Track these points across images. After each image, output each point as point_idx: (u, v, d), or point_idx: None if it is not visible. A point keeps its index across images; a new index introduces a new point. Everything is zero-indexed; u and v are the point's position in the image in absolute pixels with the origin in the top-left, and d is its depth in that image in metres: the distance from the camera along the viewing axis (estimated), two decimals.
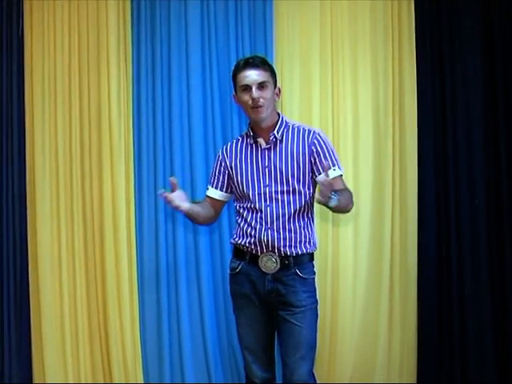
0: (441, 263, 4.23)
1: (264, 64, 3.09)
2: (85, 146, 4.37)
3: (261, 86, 3.04)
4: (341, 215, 4.07)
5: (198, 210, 3.17)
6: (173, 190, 3.00)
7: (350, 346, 4.26)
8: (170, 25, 4.31)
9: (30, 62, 4.40)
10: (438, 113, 4.21)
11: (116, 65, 4.32)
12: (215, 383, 4.28)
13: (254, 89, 3.03)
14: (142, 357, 4.35)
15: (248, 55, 4.04)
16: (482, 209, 4.18)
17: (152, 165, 4.33)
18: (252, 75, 3.04)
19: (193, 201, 3.21)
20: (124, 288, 4.31)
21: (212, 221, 3.35)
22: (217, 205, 3.31)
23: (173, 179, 3.02)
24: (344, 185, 3.09)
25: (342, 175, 3.11)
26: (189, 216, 3.13)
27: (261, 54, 3.61)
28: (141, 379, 4.32)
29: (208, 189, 3.31)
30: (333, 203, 2.74)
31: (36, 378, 4.40)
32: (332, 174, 2.95)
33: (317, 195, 2.73)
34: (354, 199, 3.07)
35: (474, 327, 4.17)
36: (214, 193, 3.28)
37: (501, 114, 4.12)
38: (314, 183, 3.10)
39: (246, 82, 3.04)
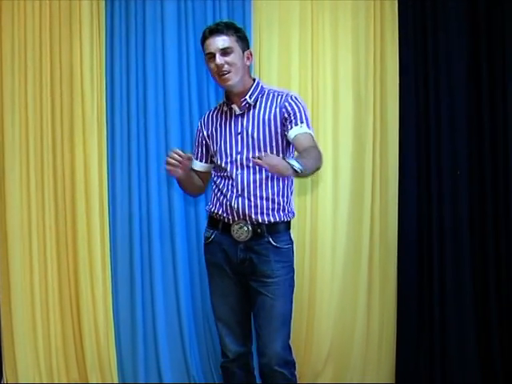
0: (421, 237, 4.19)
1: (229, 29, 3.02)
2: (56, 119, 4.25)
3: (225, 51, 2.98)
4: (320, 185, 4.08)
5: (194, 180, 3.19)
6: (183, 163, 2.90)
7: (328, 320, 4.22)
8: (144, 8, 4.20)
9: None
10: (420, 80, 4.17)
11: (89, 29, 4.18)
12: (193, 383, 4.25)
13: (217, 55, 2.98)
14: (117, 355, 4.28)
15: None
16: (464, 178, 4.13)
17: (126, 137, 4.23)
18: (215, 42, 2.99)
19: None
20: (96, 265, 4.22)
21: (202, 192, 3.35)
22: (203, 176, 3.27)
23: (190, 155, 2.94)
24: (313, 142, 2.93)
25: (310, 134, 2.97)
26: (182, 182, 3.12)
27: (230, 20, 3.53)
28: (116, 379, 4.25)
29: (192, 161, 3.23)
30: (298, 167, 2.60)
31: (8, 377, 4.28)
32: (298, 130, 2.90)
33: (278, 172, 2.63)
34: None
35: (453, 303, 4.13)
36: (198, 165, 3.23)
37: (484, 88, 4.09)
38: (289, 145, 3.03)
39: (210, 49, 3.00)
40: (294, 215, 3.11)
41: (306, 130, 2.93)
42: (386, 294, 4.24)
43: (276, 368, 2.96)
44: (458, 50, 4.12)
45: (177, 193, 4.16)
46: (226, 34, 2.99)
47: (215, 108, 3.24)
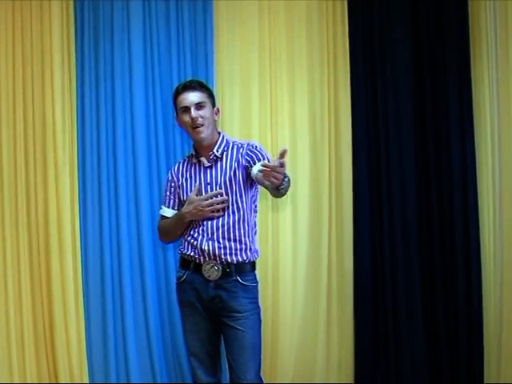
0: (375, 265, 4.52)
1: (201, 86, 3.30)
2: (29, 157, 4.37)
3: (199, 106, 3.23)
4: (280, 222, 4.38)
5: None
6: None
7: (291, 349, 4.44)
8: (113, 37, 4.40)
9: None
10: (371, 122, 4.53)
11: (60, 77, 4.34)
12: (160, 383, 4.40)
13: (192, 109, 3.22)
14: (88, 356, 4.40)
15: (189, 71, 4.32)
16: (413, 206, 4.49)
17: (96, 175, 4.41)
18: (190, 97, 3.23)
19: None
20: (69, 295, 4.35)
21: (176, 240, 3.51)
22: None
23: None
24: None
25: None
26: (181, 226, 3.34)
27: (198, 78, 3.75)
28: (86, 379, 4.38)
29: (162, 208, 3.46)
30: (285, 185, 2.90)
31: None
32: (261, 164, 2.99)
33: (268, 181, 2.81)
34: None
35: (407, 327, 4.46)
36: (168, 212, 3.43)
37: (429, 117, 4.50)
38: (252, 188, 3.29)
39: (185, 103, 3.24)
40: (258, 255, 3.36)
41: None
42: (343, 321, 4.51)
43: None
44: (405, 83, 4.50)
45: (146, 231, 4.37)
46: (200, 91, 3.25)
47: (183, 160, 3.45)
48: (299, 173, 4.47)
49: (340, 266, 4.51)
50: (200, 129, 3.23)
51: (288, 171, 4.19)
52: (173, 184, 3.42)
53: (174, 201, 3.43)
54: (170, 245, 4.27)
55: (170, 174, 3.46)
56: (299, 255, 4.49)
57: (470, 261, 4.39)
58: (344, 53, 4.50)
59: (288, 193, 3.69)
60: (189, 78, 3.51)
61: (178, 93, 3.29)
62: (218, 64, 4.43)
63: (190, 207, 3.22)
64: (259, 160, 3.13)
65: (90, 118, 4.41)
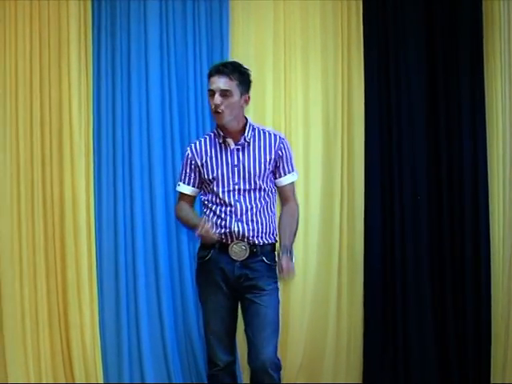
0: (385, 257, 4.58)
1: (233, 72, 3.26)
2: (45, 147, 4.42)
3: (224, 93, 3.23)
4: None
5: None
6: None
7: (301, 332, 4.53)
8: (129, 29, 4.45)
9: None
10: (384, 113, 4.59)
11: (77, 67, 4.39)
12: (175, 383, 4.44)
13: (216, 95, 3.23)
14: (102, 356, 4.43)
15: (205, 61, 4.40)
16: (423, 205, 4.53)
17: (111, 164, 4.46)
18: (217, 82, 3.24)
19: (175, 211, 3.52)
20: (84, 288, 4.39)
21: None
22: (190, 200, 3.50)
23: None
24: (293, 190, 3.45)
25: (294, 183, 3.45)
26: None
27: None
28: (101, 379, 4.41)
29: (179, 185, 3.49)
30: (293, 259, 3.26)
31: None
32: (290, 178, 3.40)
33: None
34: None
35: (415, 314, 4.52)
36: (187, 189, 3.46)
37: (442, 116, 4.55)
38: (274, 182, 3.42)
39: (211, 87, 3.26)
40: (277, 240, 3.41)
41: (294, 178, 3.43)
42: (353, 308, 4.59)
43: (270, 371, 3.19)
44: (418, 82, 4.55)
45: (160, 217, 4.43)
46: (229, 77, 3.23)
47: (205, 138, 3.44)
48: (311, 160, 4.55)
49: (351, 255, 4.59)
50: (219, 115, 3.26)
51: (301, 158, 4.44)
52: (193, 161, 3.41)
53: (194, 179, 3.44)
54: (183, 231, 4.39)
55: (189, 151, 3.44)
56: (310, 242, 4.55)
57: (479, 260, 4.46)
58: (358, 40, 4.59)
59: (300, 178, 3.98)
60: (219, 62, 3.56)
61: (210, 73, 3.32)
62: (233, 52, 4.49)
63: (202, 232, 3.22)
64: (288, 171, 3.38)
65: (105, 108, 4.46)
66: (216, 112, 3.25)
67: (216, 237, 3.21)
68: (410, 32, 4.57)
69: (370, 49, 4.57)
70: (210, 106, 3.30)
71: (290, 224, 3.36)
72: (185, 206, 3.46)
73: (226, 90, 3.23)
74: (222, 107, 3.23)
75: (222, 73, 3.25)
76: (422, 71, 4.58)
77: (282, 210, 3.43)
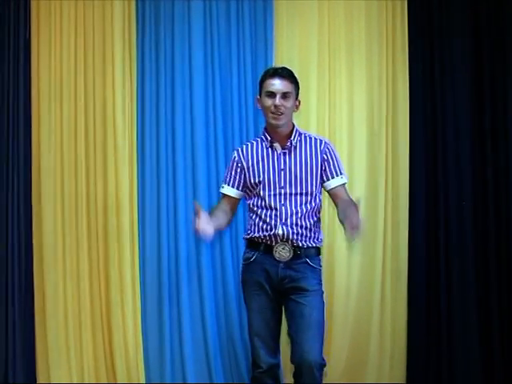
0: (430, 261, 4.50)
1: (291, 76, 3.33)
2: (89, 146, 4.51)
3: (284, 95, 3.28)
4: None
5: (219, 223, 3.36)
6: (197, 214, 3.19)
7: (344, 334, 4.51)
8: (173, 30, 4.50)
9: (36, 63, 4.51)
10: (429, 118, 4.50)
11: (121, 67, 4.48)
12: (216, 383, 4.46)
13: (278, 97, 3.26)
14: (144, 357, 4.49)
15: (249, 64, 4.42)
16: (468, 209, 4.46)
17: (155, 165, 4.51)
18: (278, 84, 3.28)
19: (210, 210, 3.42)
20: (127, 288, 4.47)
21: (230, 222, 3.55)
22: (232, 202, 3.51)
23: (196, 204, 3.22)
24: (347, 193, 3.41)
25: (345, 183, 3.42)
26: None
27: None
28: (143, 379, 4.47)
29: (223, 187, 3.50)
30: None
31: (40, 377, 4.50)
32: (339, 181, 3.37)
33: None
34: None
35: (459, 315, 4.44)
36: (231, 191, 3.47)
37: (487, 118, 4.44)
38: (321, 186, 3.40)
39: (272, 89, 3.28)
40: (322, 244, 3.43)
41: (344, 180, 3.40)
42: (397, 312, 4.53)
43: (315, 371, 3.19)
44: (463, 82, 4.48)
45: None
46: (289, 81, 3.30)
47: (252, 143, 3.47)
48: (355, 166, 4.51)
49: (395, 258, 4.53)
50: (280, 116, 3.29)
51: (345, 165, 4.27)
52: (239, 165, 3.44)
53: (239, 181, 3.45)
54: (227, 234, 4.40)
55: (236, 155, 3.47)
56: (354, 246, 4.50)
57: None
58: (403, 42, 4.52)
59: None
60: (276, 67, 3.52)
61: (267, 75, 3.34)
62: (277, 54, 4.49)
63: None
64: (336, 173, 3.36)
65: (149, 109, 4.51)
66: (275, 113, 3.29)
67: (209, 231, 3.15)
68: (456, 32, 4.49)
69: (415, 50, 4.51)
70: (265, 109, 3.32)
71: (349, 205, 3.22)
72: (220, 206, 3.48)
73: (287, 92, 3.28)
74: (283, 109, 3.28)
75: (282, 76, 3.30)
76: (467, 71, 4.51)
77: (337, 207, 3.38)
